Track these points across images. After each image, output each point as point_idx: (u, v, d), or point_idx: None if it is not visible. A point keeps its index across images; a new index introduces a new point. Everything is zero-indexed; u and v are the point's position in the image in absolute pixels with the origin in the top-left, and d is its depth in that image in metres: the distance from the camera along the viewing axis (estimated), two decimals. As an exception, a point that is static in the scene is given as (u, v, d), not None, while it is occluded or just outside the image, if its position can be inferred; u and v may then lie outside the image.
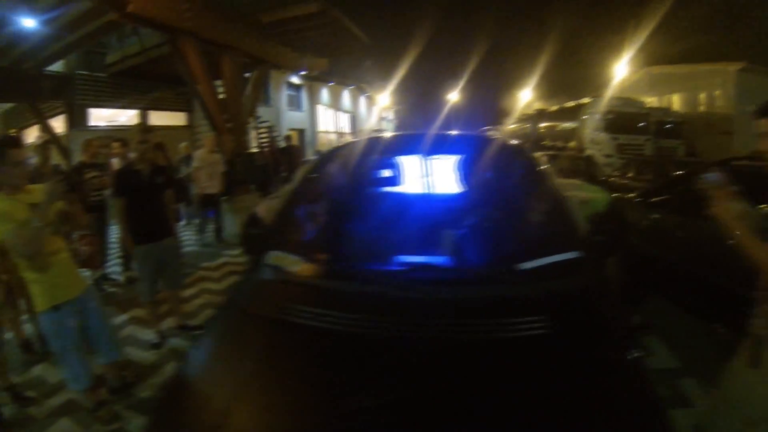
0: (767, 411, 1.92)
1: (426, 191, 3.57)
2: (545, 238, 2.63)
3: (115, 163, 5.77)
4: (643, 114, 15.21)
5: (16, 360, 3.77)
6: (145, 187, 3.90)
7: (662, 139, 15.05)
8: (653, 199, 4.67)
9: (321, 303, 1.92)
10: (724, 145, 13.86)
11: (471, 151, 3.26)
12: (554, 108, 22.89)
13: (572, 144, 18.01)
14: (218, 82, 9.33)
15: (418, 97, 56.00)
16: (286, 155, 11.44)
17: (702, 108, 15.08)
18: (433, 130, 4.08)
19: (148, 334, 4.19)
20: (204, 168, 7.48)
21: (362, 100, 32.67)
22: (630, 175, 10.27)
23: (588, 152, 15.62)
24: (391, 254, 2.80)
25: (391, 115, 44.63)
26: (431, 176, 3.58)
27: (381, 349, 1.65)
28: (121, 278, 5.90)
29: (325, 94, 24.90)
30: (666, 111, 15.86)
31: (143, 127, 3.87)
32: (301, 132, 20.26)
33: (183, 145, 9.10)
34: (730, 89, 13.59)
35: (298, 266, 2.20)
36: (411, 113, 54.00)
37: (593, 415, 1.39)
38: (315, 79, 21.62)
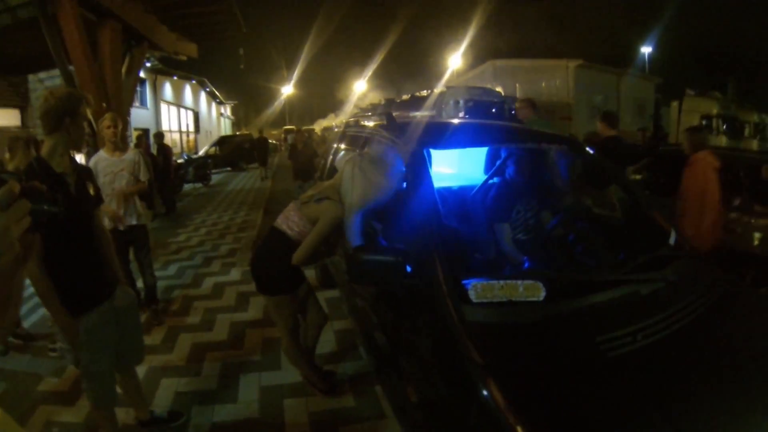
0: None
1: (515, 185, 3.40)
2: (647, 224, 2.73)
3: None
4: (498, 102, 16.65)
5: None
6: (76, 207, 2.22)
7: (513, 122, 16.80)
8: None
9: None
10: (564, 129, 15.94)
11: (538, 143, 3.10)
12: (406, 97, 23.91)
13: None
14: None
15: (254, 92, 54.10)
16: (161, 159, 9.79)
17: (544, 97, 17.07)
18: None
19: None
20: (111, 183, 4.18)
21: (203, 96, 30.11)
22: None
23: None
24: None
25: (228, 111, 42.17)
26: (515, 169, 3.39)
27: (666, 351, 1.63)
28: None
29: (168, 89, 22.22)
30: (515, 99, 17.57)
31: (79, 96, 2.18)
32: (145, 132, 17.79)
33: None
34: (570, 81, 15.68)
35: (517, 292, 1.70)
36: (246, 108, 52.00)
37: None
38: (159, 72, 19.07)
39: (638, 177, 5.92)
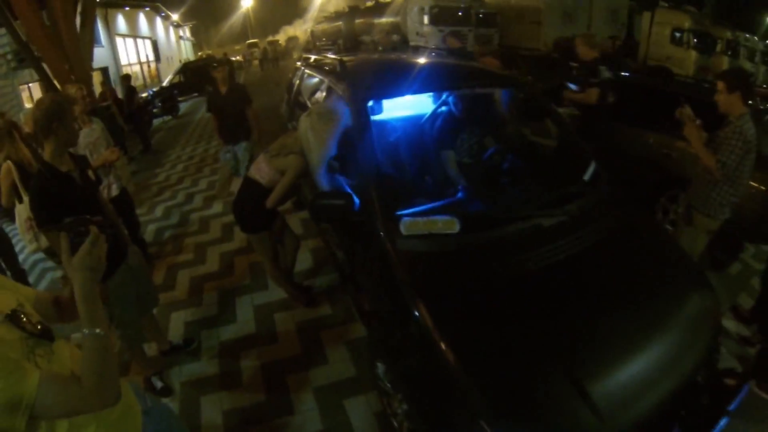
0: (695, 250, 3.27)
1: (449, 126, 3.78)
2: (568, 152, 3.17)
3: None
4: (464, 7, 16.36)
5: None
6: (86, 195, 2.54)
7: (480, 28, 16.61)
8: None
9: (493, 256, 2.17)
10: (533, 34, 15.79)
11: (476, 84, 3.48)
12: (370, 4, 23.20)
13: (395, 38, 18.83)
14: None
15: (212, 9, 50.96)
16: (129, 101, 9.77)
17: (513, 0, 16.69)
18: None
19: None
20: (91, 153, 4.12)
21: (159, 22, 28.46)
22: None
23: (412, 44, 16.67)
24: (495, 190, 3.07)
25: (188, 33, 40.14)
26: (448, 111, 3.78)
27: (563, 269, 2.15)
28: None
29: (121, 21, 20.99)
30: (482, 2, 17.23)
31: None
32: (104, 70, 17.20)
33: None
34: (539, -16, 15.23)
35: (436, 227, 2.23)
36: (206, 26, 49.32)
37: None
38: (109, 6, 18.07)
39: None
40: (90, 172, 2.74)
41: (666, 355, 1.92)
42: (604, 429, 1.65)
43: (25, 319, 1.24)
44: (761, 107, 4.50)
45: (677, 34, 14.75)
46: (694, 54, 14.44)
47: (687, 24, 14.59)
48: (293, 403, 2.89)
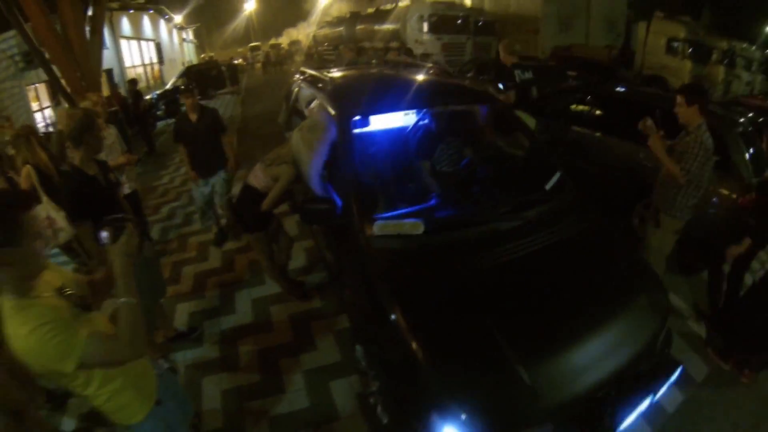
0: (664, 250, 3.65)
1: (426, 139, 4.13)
2: (536, 163, 3.51)
3: None
4: (462, 15, 16.77)
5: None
6: (109, 195, 2.93)
7: (479, 36, 17.02)
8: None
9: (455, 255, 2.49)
10: (531, 42, 16.17)
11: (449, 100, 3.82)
12: (370, 10, 23.57)
13: (394, 44, 19.21)
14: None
15: (215, 11, 51.44)
16: (135, 105, 10.14)
17: (512, 9, 17.03)
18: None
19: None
20: (107, 155, 4.23)
21: (162, 25, 28.88)
22: (470, 75, 11.58)
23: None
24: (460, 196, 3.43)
25: (191, 35, 40.63)
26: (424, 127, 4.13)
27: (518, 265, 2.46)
28: None
29: (126, 24, 21.38)
30: (480, 11, 17.64)
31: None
32: (109, 72, 17.58)
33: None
34: (538, -6, 15.64)
35: (404, 228, 2.59)
36: (209, 29, 49.81)
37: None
38: (114, 9, 18.48)
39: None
40: (111, 175, 3.11)
41: (606, 346, 2.19)
42: (538, 404, 1.96)
43: (69, 293, 1.64)
44: (740, 118, 4.73)
45: (672, 44, 15.05)
46: (689, 64, 14.69)
47: (682, 34, 14.87)
48: (284, 383, 3.26)
